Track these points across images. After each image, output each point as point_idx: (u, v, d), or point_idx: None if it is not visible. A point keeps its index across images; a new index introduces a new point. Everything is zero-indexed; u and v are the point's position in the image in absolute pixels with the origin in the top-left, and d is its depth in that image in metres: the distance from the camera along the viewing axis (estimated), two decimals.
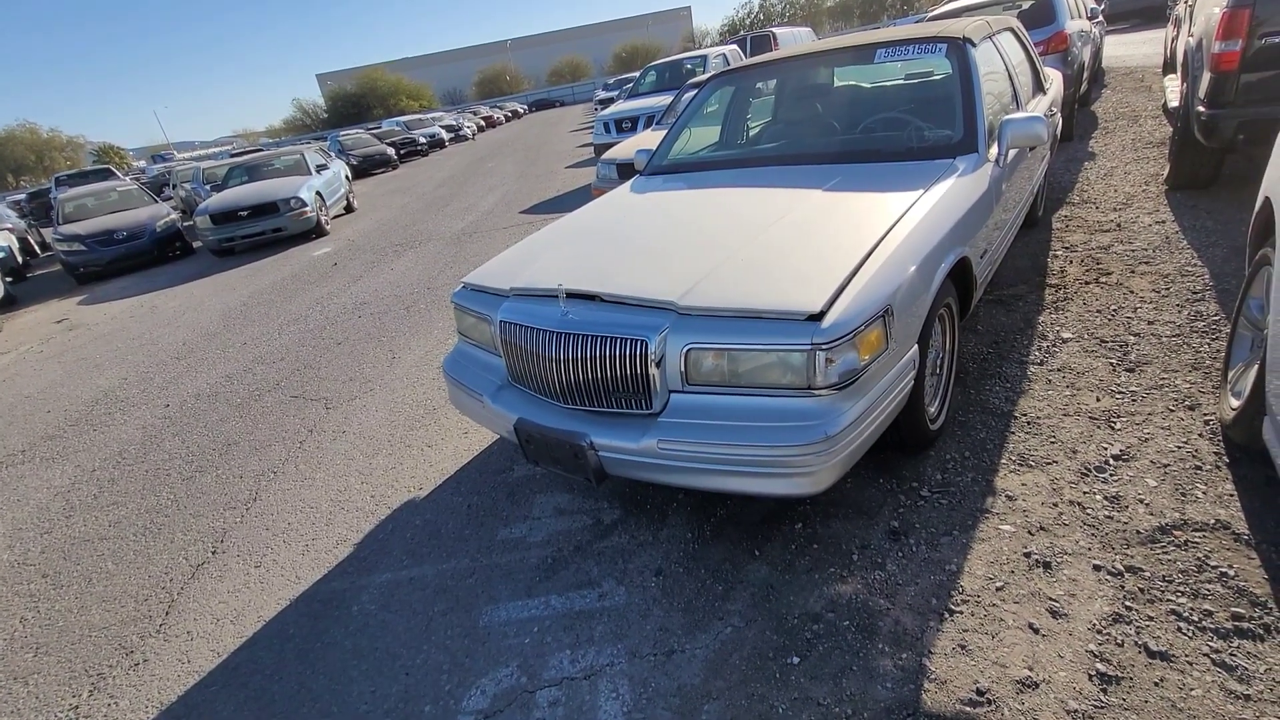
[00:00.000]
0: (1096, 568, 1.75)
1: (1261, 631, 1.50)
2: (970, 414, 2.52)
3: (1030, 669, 1.52)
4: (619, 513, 2.34)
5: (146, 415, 4.20)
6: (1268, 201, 2.03)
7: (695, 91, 3.82)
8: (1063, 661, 1.52)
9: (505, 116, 40.89)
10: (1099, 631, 1.57)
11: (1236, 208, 4.02)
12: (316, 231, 9.92)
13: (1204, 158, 4.28)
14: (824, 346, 1.65)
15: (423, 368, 4.05)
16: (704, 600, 1.88)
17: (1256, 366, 2.01)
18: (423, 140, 23.80)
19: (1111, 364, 2.70)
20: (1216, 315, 2.89)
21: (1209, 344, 2.70)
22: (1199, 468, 2.05)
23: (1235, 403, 2.08)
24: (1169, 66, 7.38)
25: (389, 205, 12.20)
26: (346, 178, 12.62)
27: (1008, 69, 3.32)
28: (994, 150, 2.63)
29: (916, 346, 1.98)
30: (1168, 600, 1.62)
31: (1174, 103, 4.96)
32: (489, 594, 2.09)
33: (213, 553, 2.62)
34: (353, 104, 64.24)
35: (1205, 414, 2.28)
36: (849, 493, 2.19)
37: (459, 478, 2.78)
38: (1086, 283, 3.46)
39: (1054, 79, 4.45)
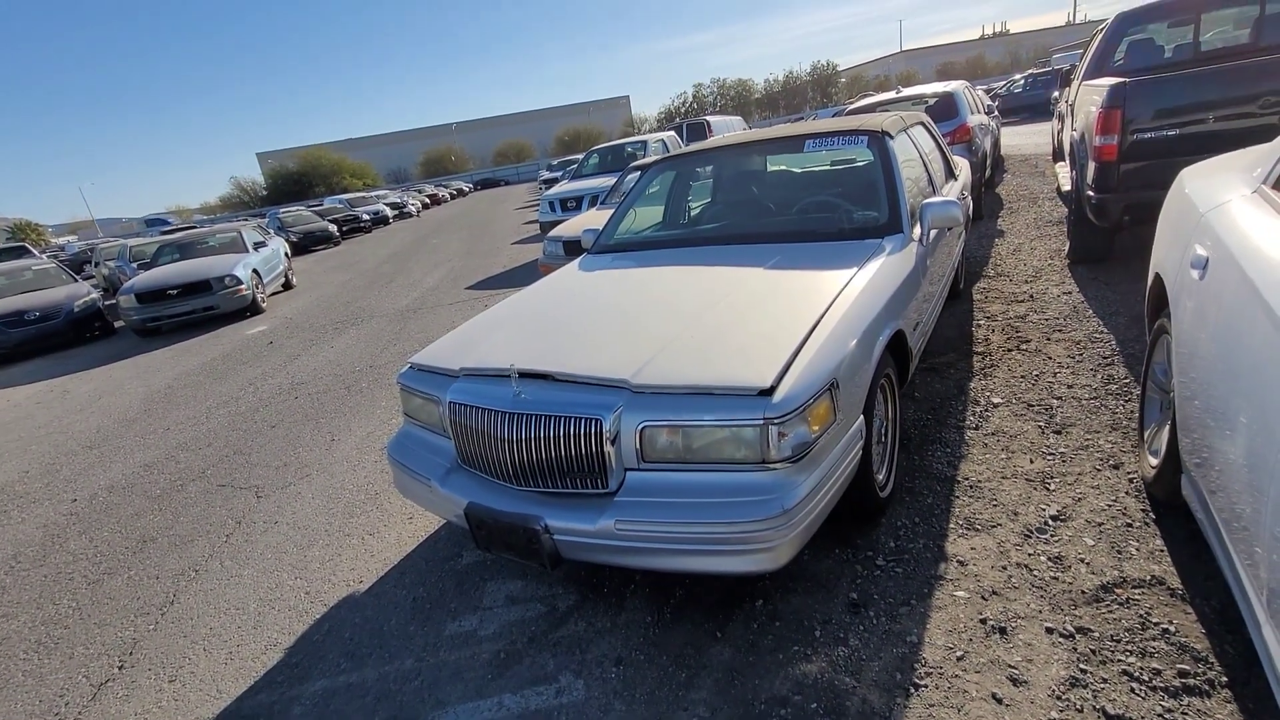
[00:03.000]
0: (1049, 630, 1.79)
1: (1207, 688, 1.55)
2: (916, 480, 2.60)
3: None
4: (575, 598, 2.25)
5: (49, 512, 3.83)
6: (1158, 277, 2.25)
7: (639, 174, 4.00)
8: None
9: (451, 194, 41.54)
10: (1058, 698, 1.59)
11: (1130, 279, 4.43)
12: (252, 309, 9.61)
13: (1097, 235, 4.74)
14: (776, 420, 1.68)
15: (364, 450, 3.89)
16: (667, 690, 1.80)
17: (1168, 427, 2.17)
18: (366, 217, 23.81)
19: (1040, 426, 2.85)
20: (1126, 378, 3.13)
21: (1123, 405, 2.90)
22: (1130, 525, 2.15)
23: (1154, 461, 2.22)
24: (1058, 154, 8.27)
25: (330, 282, 12.00)
26: (285, 254, 12.40)
27: (922, 158, 3.64)
28: (917, 230, 2.84)
29: (862, 417, 2.05)
30: (1118, 660, 1.66)
31: (1066, 186, 5.53)
32: (436, 698, 1.94)
33: (119, 667, 2.35)
34: (294, 181, 63.97)
35: (1129, 472, 2.42)
36: (807, 565, 2.19)
37: (403, 567, 2.63)
38: (1009, 350, 3.69)
39: (963, 166, 4.89)
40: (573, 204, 10.07)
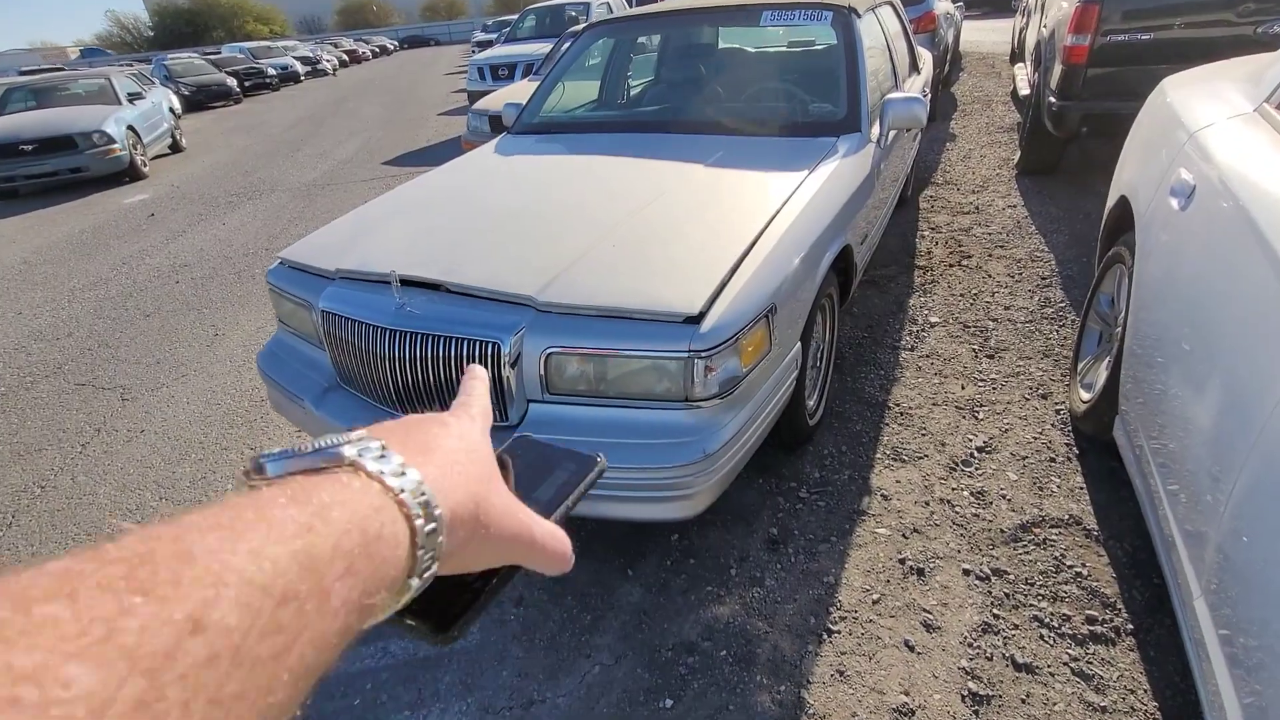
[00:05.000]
0: (966, 572, 1.74)
1: (1113, 635, 1.54)
2: (847, 404, 2.48)
3: (906, 693, 1.46)
4: None
5: None
6: (1123, 200, 2.07)
7: (571, 40, 3.45)
8: (937, 682, 1.47)
9: (372, 52, 37.18)
10: (970, 645, 1.55)
11: (1074, 194, 4.33)
12: (130, 174, 8.38)
13: (1050, 146, 4.55)
14: (703, 354, 1.45)
15: (252, 348, 3.46)
16: (569, 635, 1.67)
17: (1107, 362, 2.08)
18: (272, 72, 21.04)
19: (974, 350, 2.77)
20: (1062, 301, 3.06)
21: (1057, 330, 2.84)
22: (1053, 460, 2.11)
23: (1086, 396, 2.16)
24: (1017, 55, 7.91)
25: (227, 146, 10.63)
26: (172, 110, 10.79)
27: (888, 44, 3.25)
28: (875, 130, 2.54)
29: (800, 344, 1.85)
30: (1030, 605, 1.63)
31: (1024, 90, 5.25)
32: None
33: None
34: (186, 22, 55.51)
35: (1056, 403, 2.37)
36: (728, 496, 2.05)
37: None
38: (950, 265, 3.56)
39: (926, 59, 4.51)
40: (504, 72, 9.03)
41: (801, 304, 1.82)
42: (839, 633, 1.61)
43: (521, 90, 5.63)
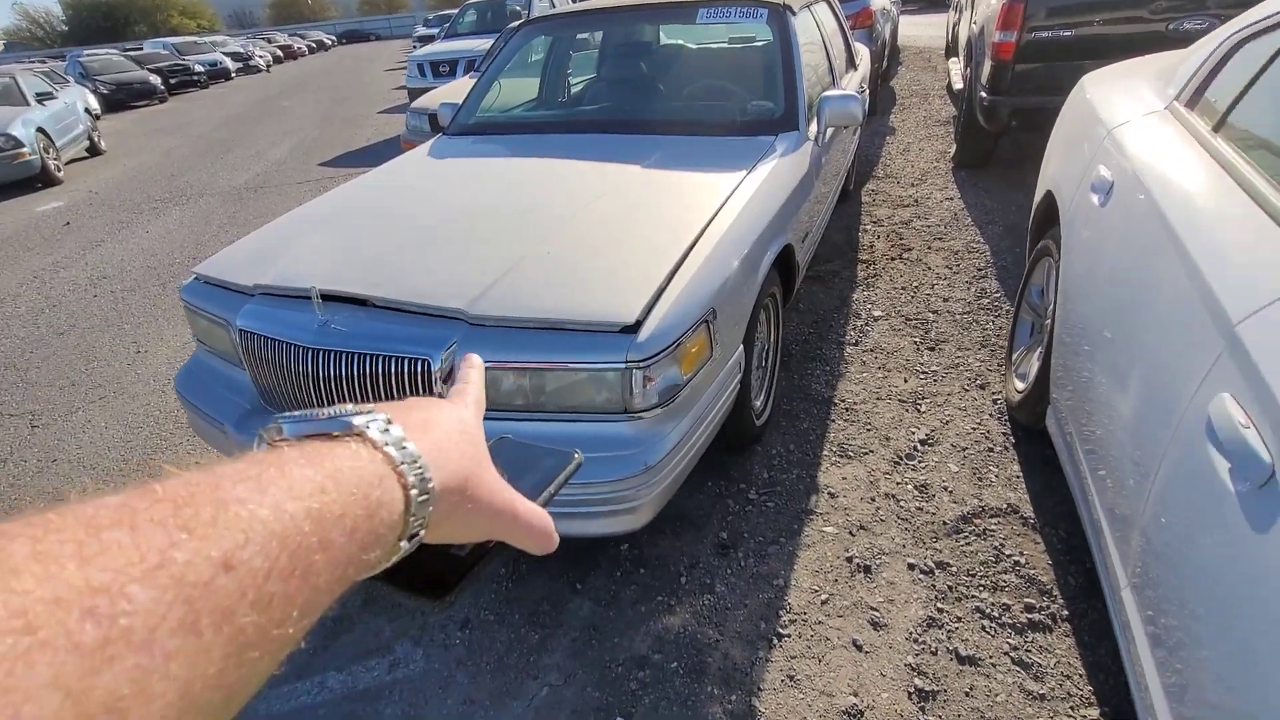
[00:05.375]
0: (911, 566, 1.76)
1: (1050, 622, 1.58)
2: (794, 401, 2.49)
3: (855, 694, 1.46)
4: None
5: None
6: (1050, 195, 2.14)
7: (507, 38, 3.36)
8: (885, 681, 1.49)
9: (309, 48, 35.86)
10: (916, 640, 1.57)
11: (1006, 186, 4.47)
12: (43, 179, 7.86)
13: (984, 139, 4.69)
14: (641, 364, 1.42)
15: (179, 365, 3.26)
16: (517, 655, 1.62)
17: (1039, 352, 2.14)
18: (200, 69, 20.07)
19: (916, 342, 2.82)
20: (997, 292, 3.15)
21: (993, 320, 2.92)
22: (991, 449, 2.17)
23: (1020, 385, 2.22)
24: (951, 50, 8.15)
25: (151, 148, 10.07)
26: (89, 111, 10.17)
27: (824, 41, 3.28)
28: (814, 128, 2.55)
29: (742, 347, 1.83)
30: (972, 597, 1.66)
31: (958, 84, 5.40)
32: None
33: None
34: (104, 16, 52.26)
35: (994, 393, 2.43)
36: (676, 501, 2.03)
37: None
38: (892, 258, 3.63)
39: (864, 55, 4.58)
40: (445, 68, 8.81)
41: (743, 306, 1.81)
42: (789, 636, 1.61)
43: (461, 88, 5.48)
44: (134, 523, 0.20)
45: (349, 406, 0.31)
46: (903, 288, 3.29)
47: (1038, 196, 2.36)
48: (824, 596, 1.70)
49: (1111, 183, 1.56)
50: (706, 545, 1.89)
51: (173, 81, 18.38)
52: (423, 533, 0.31)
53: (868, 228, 4.08)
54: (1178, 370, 1.06)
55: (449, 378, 1.49)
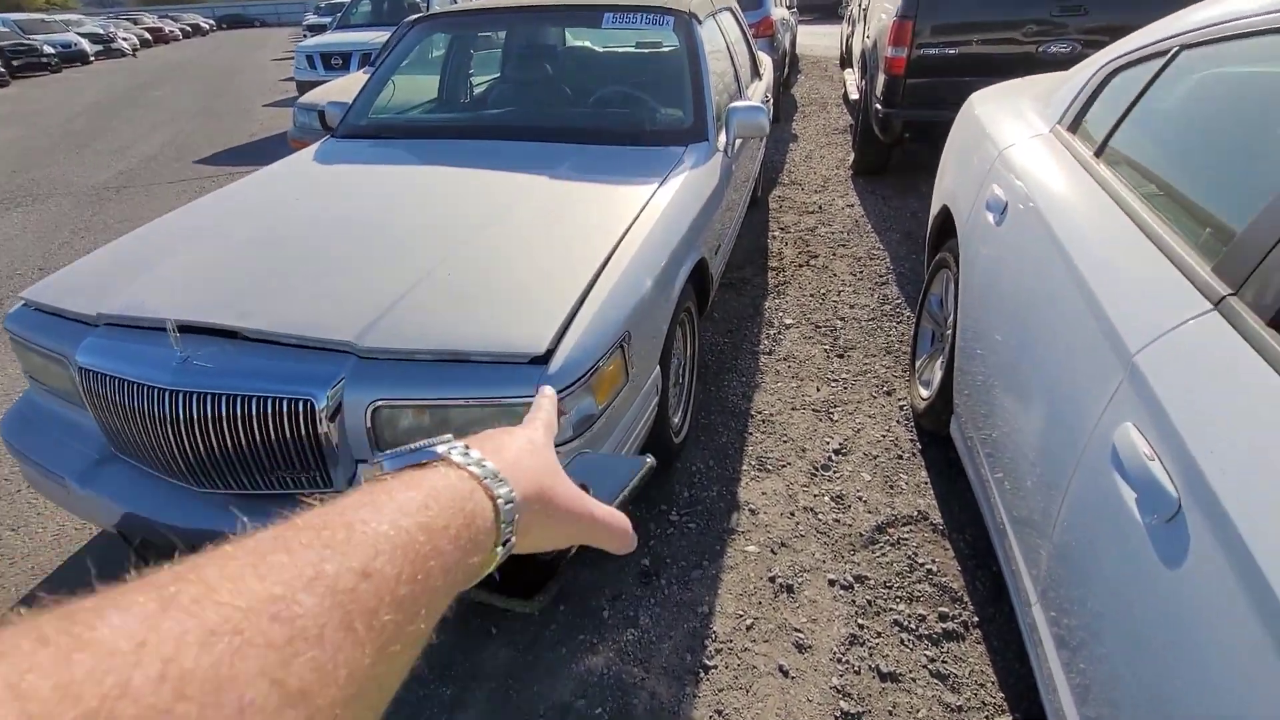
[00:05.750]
0: (831, 582, 1.77)
1: (962, 630, 1.62)
2: (713, 414, 2.47)
3: None
4: None
5: None
6: (945, 209, 2.22)
7: (401, 34, 3.14)
8: (811, 706, 1.47)
9: (183, 32, 32.79)
10: (839, 660, 1.56)
11: (901, 194, 4.70)
12: None
13: (880, 149, 4.90)
14: None
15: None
16: (429, 714, 1.48)
17: (940, 361, 2.22)
18: (50, 50, 17.87)
19: (826, 350, 2.88)
20: (898, 298, 3.28)
21: (895, 326, 3.03)
22: (900, 457, 2.23)
23: (924, 393, 2.30)
24: (845, 61, 8.53)
25: None
26: None
27: (730, 50, 3.29)
28: (722, 138, 2.54)
29: (659, 368, 1.78)
30: (890, 610, 1.68)
31: (854, 95, 5.64)
32: None
33: None
34: None
35: (899, 399, 2.51)
36: None
37: (64, 581, 1.93)
38: (800, 265, 3.71)
39: (767, 64, 4.67)
40: (338, 61, 8.28)
41: (658, 326, 1.75)
42: (715, 668, 1.56)
43: (353, 84, 5.13)
44: (289, 547, 0.24)
45: (434, 439, 0.36)
46: (811, 294, 3.36)
47: (934, 209, 2.46)
48: (749, 621, 1.67)
49: (1006, 203, 1.62)
50: (629, 574, 1.81)
51: (15, 64, 16.28)
52: (514, 539, 0.35)
53: (776, 234, 4.16)
54: (1082, 395, 1.09)
55: (335, 416, 1.34)
